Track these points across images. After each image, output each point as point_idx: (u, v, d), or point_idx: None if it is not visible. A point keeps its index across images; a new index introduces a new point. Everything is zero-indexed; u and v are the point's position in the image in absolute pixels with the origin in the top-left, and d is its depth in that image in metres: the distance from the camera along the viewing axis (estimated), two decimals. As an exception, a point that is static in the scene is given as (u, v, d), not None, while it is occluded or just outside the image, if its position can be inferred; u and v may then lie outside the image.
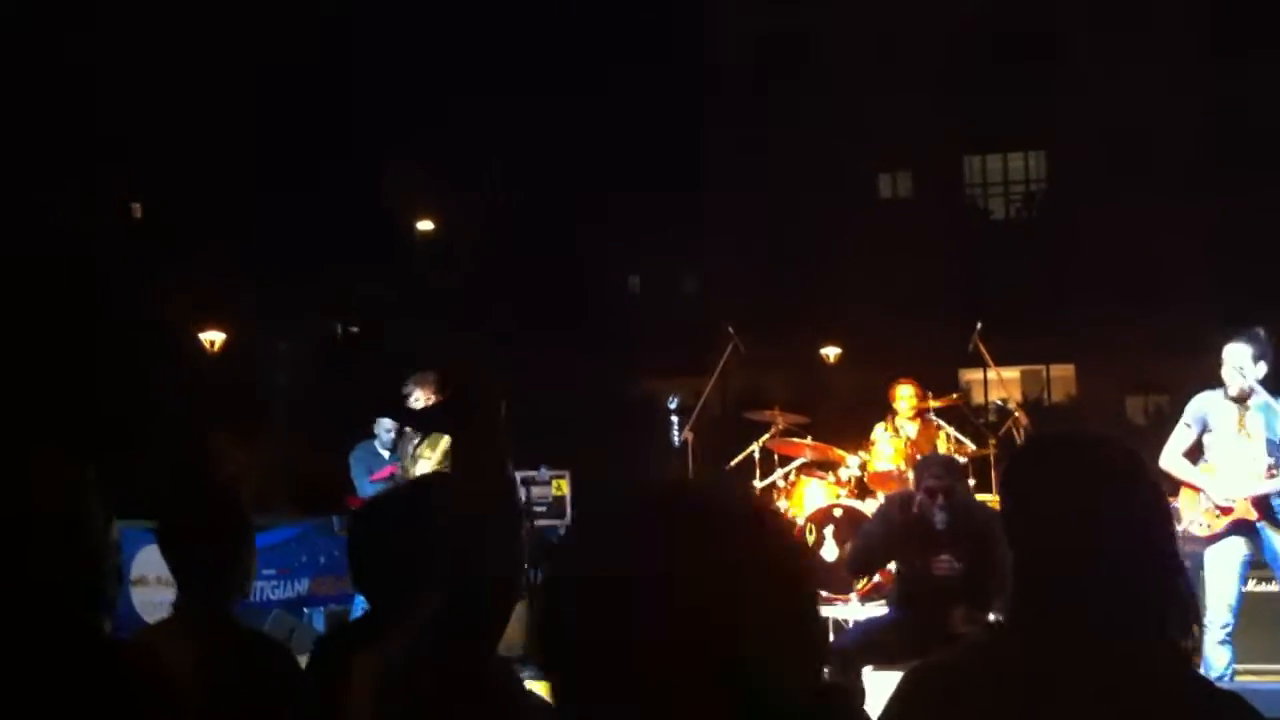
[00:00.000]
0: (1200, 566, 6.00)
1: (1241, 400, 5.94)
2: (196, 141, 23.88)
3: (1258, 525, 5.88)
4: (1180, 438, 6.10)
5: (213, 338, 23.90)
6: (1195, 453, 6.12)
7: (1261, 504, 5.87)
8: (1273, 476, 5.84)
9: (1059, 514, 1.71)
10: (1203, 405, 6.07)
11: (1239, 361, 5.86)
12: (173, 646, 2.52)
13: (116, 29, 23.30)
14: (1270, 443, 5.88)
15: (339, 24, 26.51)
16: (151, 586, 7.26)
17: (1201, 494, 5.99)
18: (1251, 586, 6.30)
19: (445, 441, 7.02)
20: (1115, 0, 26.97)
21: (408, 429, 7.30)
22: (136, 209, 28.09)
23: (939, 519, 5.45)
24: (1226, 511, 5.90)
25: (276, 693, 2.54)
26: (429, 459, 7.00)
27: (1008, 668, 1.64)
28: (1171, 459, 6.08)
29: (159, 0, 24.02)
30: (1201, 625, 1.72)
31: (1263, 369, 5.87)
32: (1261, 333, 5.94)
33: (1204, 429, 6.06)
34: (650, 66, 27.80)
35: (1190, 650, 1.72)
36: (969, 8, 28.18)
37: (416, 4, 27.59)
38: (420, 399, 7.06)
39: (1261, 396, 5.92)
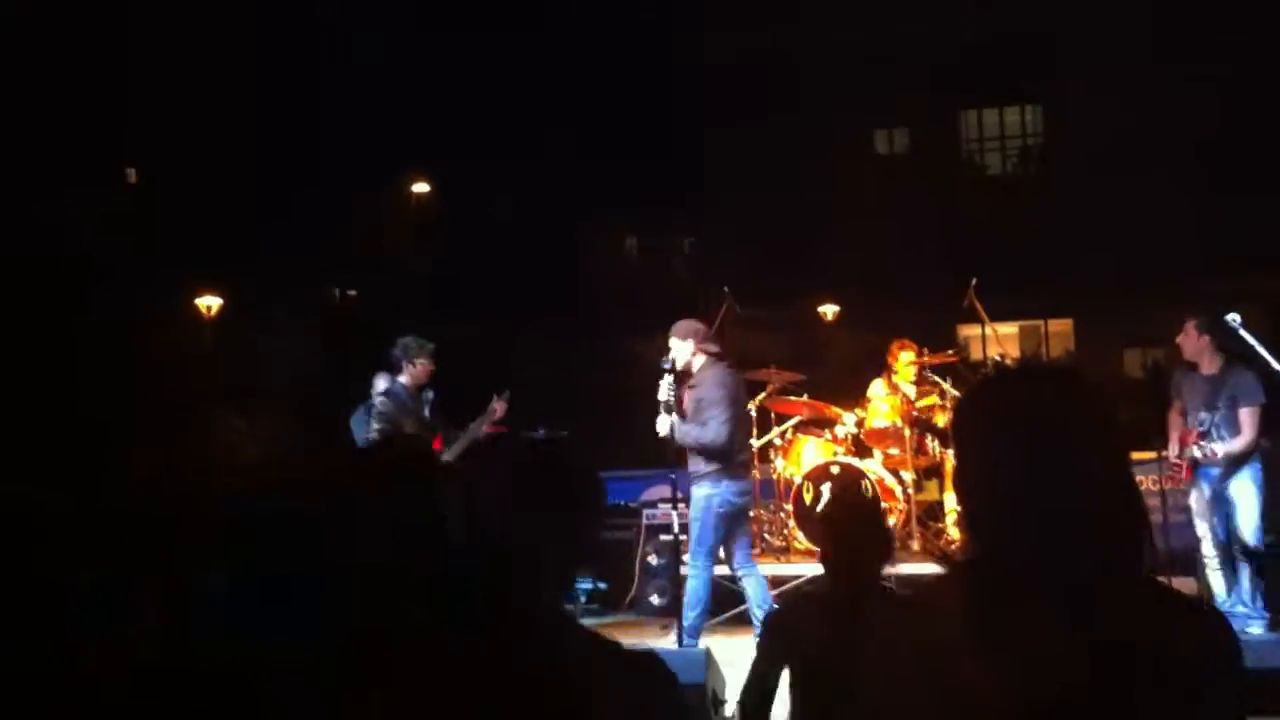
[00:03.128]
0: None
1: (1194, 368, 7.18)
2: (194, 110, 23.72)
3: (1196, 475, 7.20)
4: (1172, 404, 7.49)
5: (209, 303, 23.89)
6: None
7: (1192, 465, 7.22)
8: (1198, 442, 7.04)
9: (997, 450, 1.67)
10: (1176, 377, 7.37)
11: (1188, 330, 7.16)
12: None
13: (107, 15, 23.09)
14: (1206, 410, 7.07)
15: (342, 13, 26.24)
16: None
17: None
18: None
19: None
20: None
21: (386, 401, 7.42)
22: (131, 174, 27.96)
23: None
24: (1176, 467, 7.33)
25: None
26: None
27: (965, 608, 1.62)
28: (1170, 418, 7.48)
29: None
30: (1151, 553, 1.71)
31: (1206, 341, 7.09)
32: (1229, 317, 7.05)
33: (1180, 396, 7.34)
34: (647, 33, 27.53)
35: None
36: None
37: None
38: (410, 374, 7.31)
39: (1214, 366, 7.10)
